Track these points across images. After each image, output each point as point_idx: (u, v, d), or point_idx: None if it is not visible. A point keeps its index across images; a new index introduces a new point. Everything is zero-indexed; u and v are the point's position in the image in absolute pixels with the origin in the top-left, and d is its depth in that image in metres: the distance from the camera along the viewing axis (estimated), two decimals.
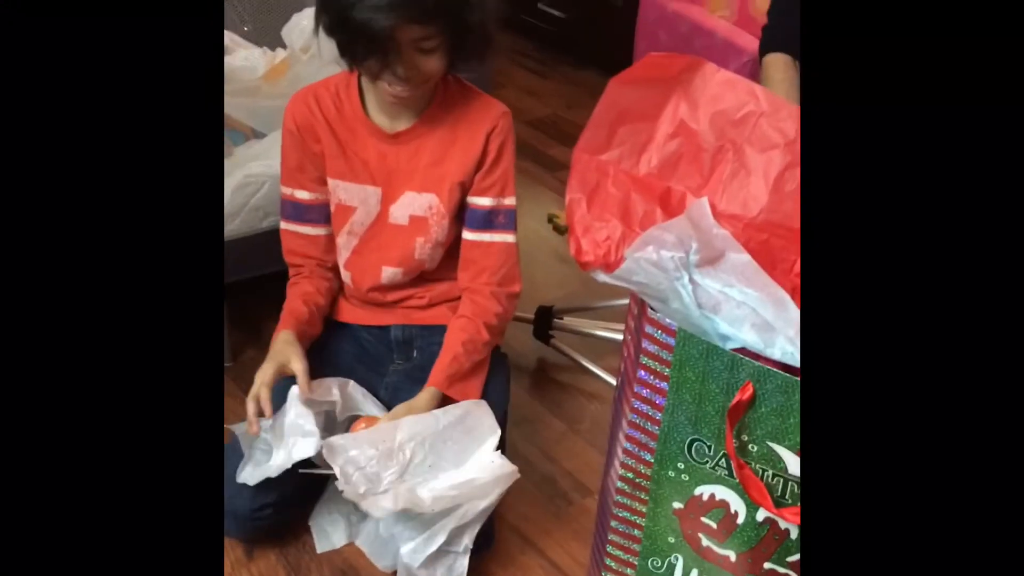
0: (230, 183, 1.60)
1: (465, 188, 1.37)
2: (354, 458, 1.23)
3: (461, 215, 1.41)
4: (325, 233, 1.43)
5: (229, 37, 2.01)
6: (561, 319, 1.86)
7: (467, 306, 1.40)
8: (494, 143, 1.35)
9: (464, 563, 1.27)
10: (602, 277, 0.94)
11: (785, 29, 1.55)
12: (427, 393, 1.32)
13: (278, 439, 1.28)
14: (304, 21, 1.86)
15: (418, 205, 1.37)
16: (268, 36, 1.99)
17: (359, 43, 1.20)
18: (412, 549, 1.26)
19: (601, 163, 0.96)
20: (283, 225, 1.44)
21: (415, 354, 1.48)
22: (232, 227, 1.62)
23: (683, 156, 0.96)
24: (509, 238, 1.40)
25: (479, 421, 1.29)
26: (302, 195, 1.40)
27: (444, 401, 1.33)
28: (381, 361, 1.47)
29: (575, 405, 1.76)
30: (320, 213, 1.42)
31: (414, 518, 1.26)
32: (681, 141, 0.96)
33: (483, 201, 1.38)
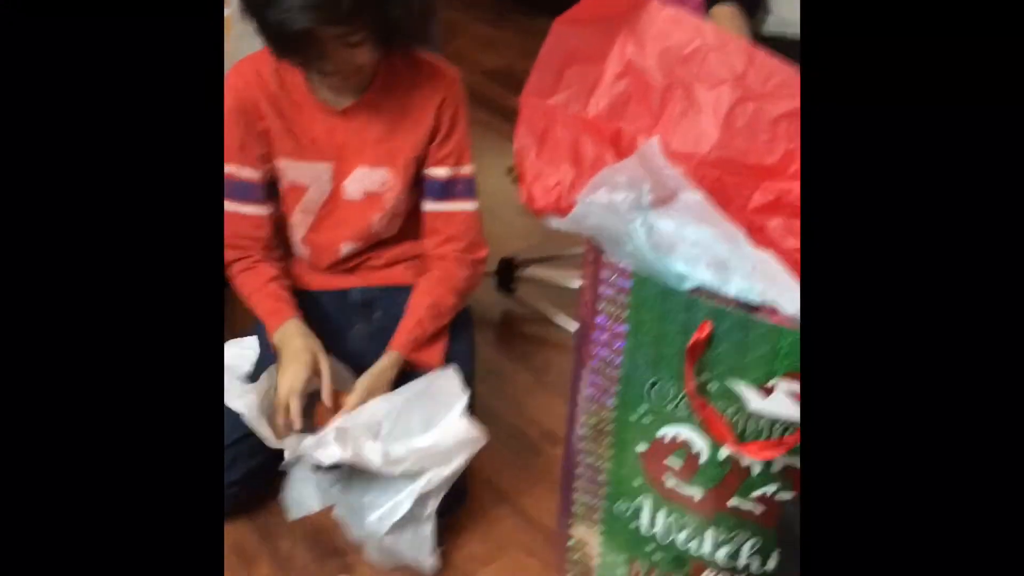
0: None
1: (420, 161, 1.34)
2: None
3: (417, 184, 1.38)
4: (270, 212, 1.37)
5: None
6: (523, 270, 1.85)
7: (433, 270, 1.38)
8: (446, 113, 1.31)
9: (428, 528, 1.27)
10: (555, 223, 0.93)
11: None
12: (388, 358, 1.31)
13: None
14: None
15: (372, 180, 1.34)
16: None
17: (277, 44, 1.16)
18: (378, 517, 1.25)
19: (549, 107, 0.94)
20: (227, 207, 1.36)
21: (376, 315, 1.46)
22: None
23: (632, 96, 0.95)
24: (469, 206, 1.38)
25: (445, 387, 1.28)
26: (246, 173, 1.34)
27: (406, 365, 1.32)
28: (342, 326, 1.45)
29: (541, 356, 1.76)
30: (264, 191, 1.36)
31: (385, 487, 1.26)
32: (629, 81, 0.95)
33: (440, 172, 1.35)
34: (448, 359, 1.44)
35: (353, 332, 1.45)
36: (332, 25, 1.11)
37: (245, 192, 1.35)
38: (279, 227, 1.40)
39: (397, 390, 1.28)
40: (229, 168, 1.34)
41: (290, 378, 1.24)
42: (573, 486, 1.10)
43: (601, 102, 0.95)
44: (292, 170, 1.34)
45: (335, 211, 1.37)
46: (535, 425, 1.58)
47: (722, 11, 1.51)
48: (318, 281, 1.46)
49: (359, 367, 1.41)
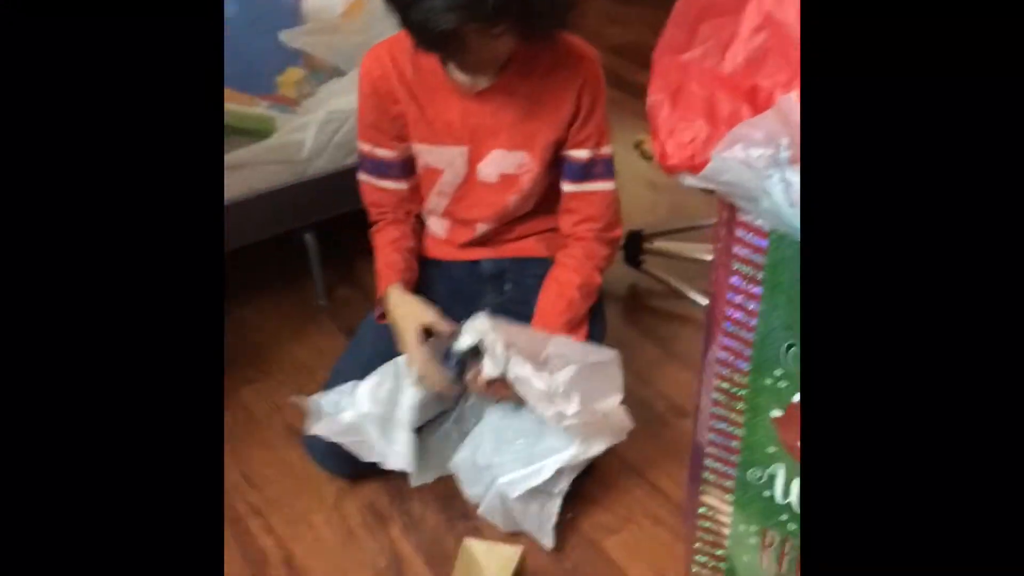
0: (314, 120, 1.61)
1: (560, 144, 1.34)
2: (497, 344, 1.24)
3: (555, 164, 1.37)
4: (407, 186, 1.41)
5: None
6: (651, 243, 1.83)
7: (576, 250, 1.38)
8: (586, 98, 1.30)
9: (556, 505, 1.28)
10: (689, 180, 0.91)
11: None
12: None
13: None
14: None
15: (508, 163, 1.34)
16: None
17: (420, 40, 1.16)
18: (511, 480, 1.26)
19: (683, 63, 0.92)
20: (362, 178, 1.41)
21: (507, 287, 1.47)
22: (318, 165, 1.63)
23: (770, 50, 0.91)
24: (608, 186, 1.37)
25: (615, 375, 1.28)
26: (382, 152, 1.38)
27: None
28: (474, 297, 1.46)
29: (669, 329, 1.73)
30: (401, 169, 1.39)
31: (522, 451, 1.26)
32: (767, 34, 0.91)
33: (580, 154, 1.34)
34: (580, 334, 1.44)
35: (483, 303, 1.46)
36: (477, 23, 1.10)
37: (381, 169, 1.39)
38: (417, 195, 1.43)
39: (582, 344, 1.30)
40: (365, 147, 1.38)
41: (409, 347, 1.30)
42: (705, 452, 1.08)
43: (738, 57, 0.92)
44: (427, 154, 1.36)
45: (471, 193, 1.38)
46: (663, 398, 1.57)
47: None
48: (450, 252, 1.48)
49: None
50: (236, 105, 1.66)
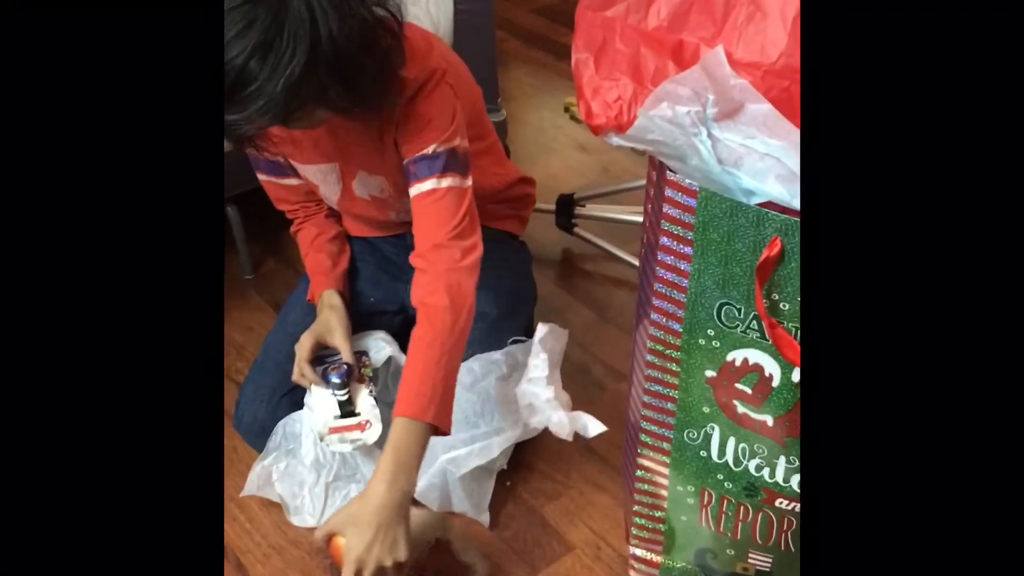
0: None
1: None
2: None
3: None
4: (301, 183, 1.37)
5: None
6: (583, 206, 1.82)
7: (422, 321, 1.19)
8: (410, 104, 1.18)
9: (492, 481, 1.28)
10: (615, 139, 0.89)
11: None
12: (397, 432, 1.11)
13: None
14: None
15: (372, 185, 1.31)
16: None
17: (236, 143, 1.12)
18: (455, 458, 1.25)
19: (607, 19, 0.90)
20: (262, 177, 1.38)
21: None
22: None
23: (694, 5, 0.90)
24: (437, 181, 1.19)
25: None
26: (269, 155, 1.32)
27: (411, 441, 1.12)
28: (403, 267, 1.44)
29: (603, 292, 1.73)
30: (293, 168, 1.36)
31: (458, 428, 1.25)
32: None
33: (406, 159, 1.22)
34: (511, 298, 1.42)
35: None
36: (277, 124, 1.06)
37: (275, 169, 1.36)
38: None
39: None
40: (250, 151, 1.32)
41: (300, 347, 1.30)
42: (641, 415, 1.07)
43: (661, 12, 0.90)
44: (302, 170, 1.33)
45: (353, 206, 1.36)
46: (599, 362, 1.56)
47: None
48: (375, 230, 1.45)
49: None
50: None
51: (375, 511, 1.05)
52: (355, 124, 1.21)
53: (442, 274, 1.16)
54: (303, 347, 1.29)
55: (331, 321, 1.31)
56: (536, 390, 1.28)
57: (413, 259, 1.20)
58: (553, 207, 1.82)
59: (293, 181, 1.37)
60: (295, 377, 1.30)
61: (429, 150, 1.19)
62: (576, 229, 1.82)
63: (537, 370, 1.28)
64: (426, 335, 1.15)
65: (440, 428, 1.13)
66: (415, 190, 1.21)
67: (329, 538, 1.10)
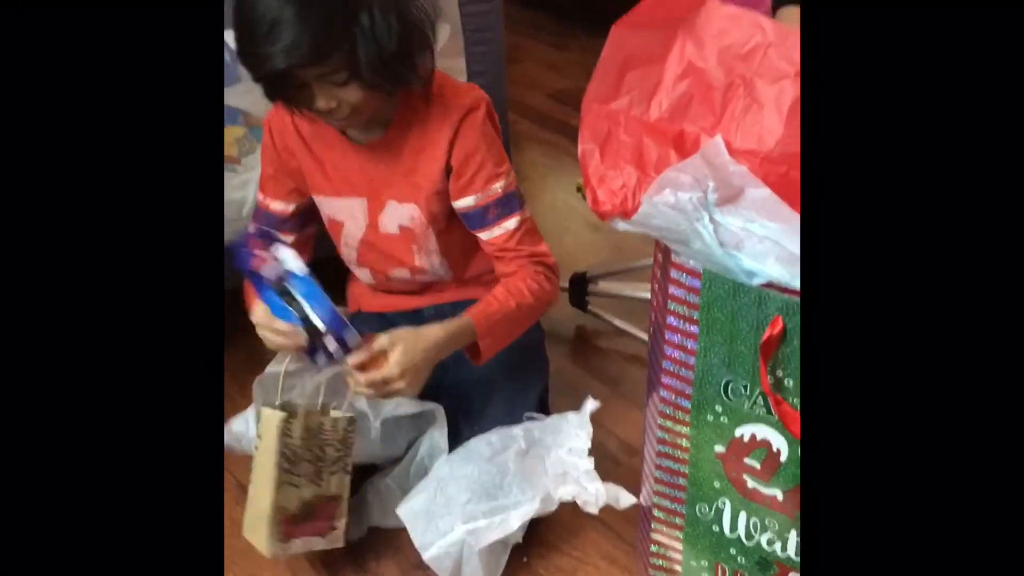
0: (254, 178, 1.61)
1: (443, 196, 1.33)
2: None
3: (456, 221, 1.37)
4: (295, 239, 1.40)
5: None
6: (596, 284, 1.86)
7: (507, 284, 1.35)
8: (459, 148, 1.29)
9: (507, 554, 1.30)
10: (621, 225, 0.93)
11: None
12: (454, 323, 1.26)
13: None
14: None
15: (402, 215, 1.35)
16: None
17: (266, 88, 1.17)
18: (475, 530, 1.25)
19: (611, 111, 0.95)
20: (252, 229, 1.39)
21: None
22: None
23: (694, 97, 0.95)
24: (511, 223, 1.33)
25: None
26: (276, 206, 1.39)
27: (462, 337, 1.27)
28: None
29: (617, 368, 1.75)
30: (295, 222, 1.40)
31: (476, 498, 1.27)
32: (690, 82, 0.95)
33: (467, 202, 1.32)
34: (525, 372, 1.45)
35: None
36: (307, 67, 1.11)
37: (271, 222, 1.39)
38: (306, 248, 1.42)
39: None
40: (260, 197, 1.39)
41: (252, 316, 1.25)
42: (653, 490, 1.09)
43: (663, 104, 0.95)
44: (327, 206, 1.37)
45: (375, 244, 1.39)
46: (612, 436, 1.58)
47: (790, 12, 1.51)
48: (390, 302, 1.49)
49: (437, 384, 1.44)
50: None
51: (426, 348, 1.21)
52: (386, 154, 1.28)
53: (527, 276, 1.32)
54: (258, 310, 1.25)
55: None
56: (575, 460, 1.29)
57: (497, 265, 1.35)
58: (567, 285, 1.86)
59: (286, 239, 1.37)
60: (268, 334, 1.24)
61: (497, 189, 1.30)
62: (589, 307, 1.86)
63: (580, 441, 1.30)
64: (511, 289, 1.30)
65: (481, 353, 1.28)
66: (489, 234, 1.33)
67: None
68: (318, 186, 1.36)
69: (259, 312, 1.23)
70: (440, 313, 1.47)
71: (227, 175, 1.70)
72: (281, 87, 1.17)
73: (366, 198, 1.35)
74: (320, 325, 1.16)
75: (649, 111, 0.95)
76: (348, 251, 1.42)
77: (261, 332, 1.24)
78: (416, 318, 1.47)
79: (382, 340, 1.20)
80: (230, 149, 1.74)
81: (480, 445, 1.34)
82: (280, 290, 1.19)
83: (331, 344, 1.18)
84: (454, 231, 1.39)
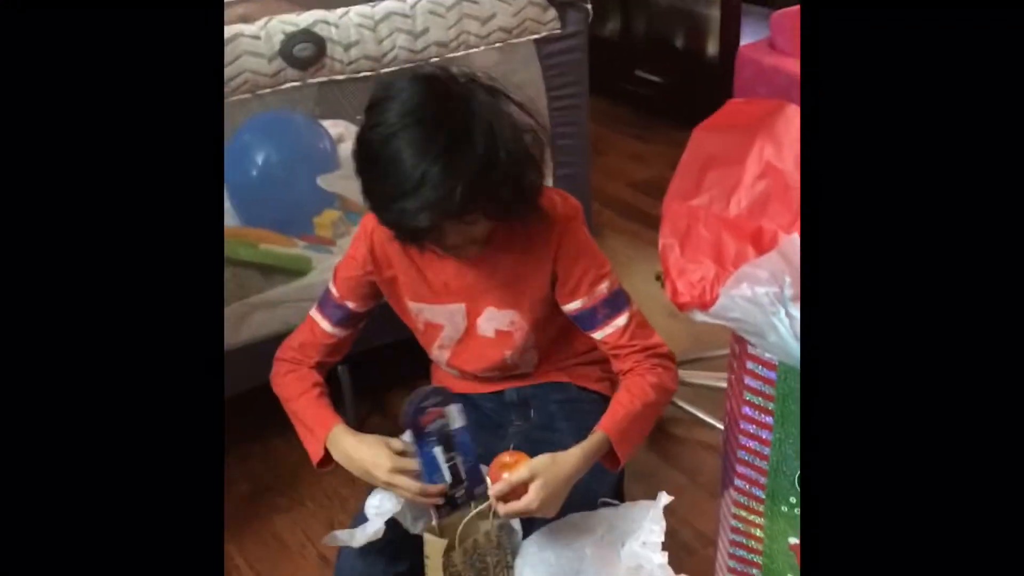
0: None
1: (548, 301, 1.36)
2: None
3: (553, 318, 1.39)
4: (342, 336, 1.42)
5: (344, 126, 2.14)
6: None
7: (630, 381, 1.34)
8: (562, 259, 1.32)
9: None
10: (699, 316, 0.97)
11: None
12: (592, 440, 1.26)
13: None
14: None
15: (501, 320, 1.39)
16: None
17: (399, 236, 1.22)
18: None
19: (692, 208, 1.00)
20: (313, 314, 1.43)
21: (532, 413, 1.52)
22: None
23: (771, 196, 0.99)
24: (621, 320, 1.35)
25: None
26: (352, 305, 1.40)
27: (598, 451, 1.27)
28: (500, 423, 1.51)
29: (693, 457, 1.76)
30: (356, 319, 1.41)
31: None
32: (769, 182, 0.99)
33: (575, 305, 1.35)
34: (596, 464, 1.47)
35: (512, 430, 1.50)
36: (448, 219, 1.16)
37: (335, 313, 1.40)
38: (342, 348, 1.44)
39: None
40: (335, 292, 1.40)
41: (372, 458, 1.23)
42: None
43: (742, 202, 0.99)
44: (427, 312, 1.40)
45: (470, 346, 1.42)
46: (688, 525, 1.58)
47: None
48: (474, 386, 1.53)
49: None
50: (276, 246, 1.76)
51: (567, 475, 1.21)
52: (484, 263, 1.32)
53: (645, 371, 1.32)
54: (382, 457, 1.23)
55: (379, 438, 1.28)
56: (650, 554, 1.30)
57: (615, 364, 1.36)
58: None
59: (336, 331, 1.41)
60: (389, 474, 1.22)
61: (603, 290, 1.33)
62: None
63: (653, 535, 1.30)
64: (633, 390, 1.29)
65: (617, 458, 1.27)
66: (601, 334, 1.34)
67: (510, 466, 1.20)
68: (418, 294, 1.39)
69: (400, 468, 1.23)
70: (523, 396, 1.50)
71: (321, 256, 1.80)
72: (415, 236, 1.21)
73: (464, 304, 1.39)
74: (463, 478, 1.24)
75: (728, 208, 1.00)
76: (441, 352, 1.46)
77: (400, 490, 1.23)
78: (498, 399, 1.51)
79: (522, 472, 1.20)
80: (326, 231, 1.84)
81: (560, 531, 1.36)
82: (444, 443, 1.24)
83: (459, 492, 1.25)
84: (549, 329, 1.42)
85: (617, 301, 1.36)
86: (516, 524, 1.41)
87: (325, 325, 1.42)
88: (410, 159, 1.10)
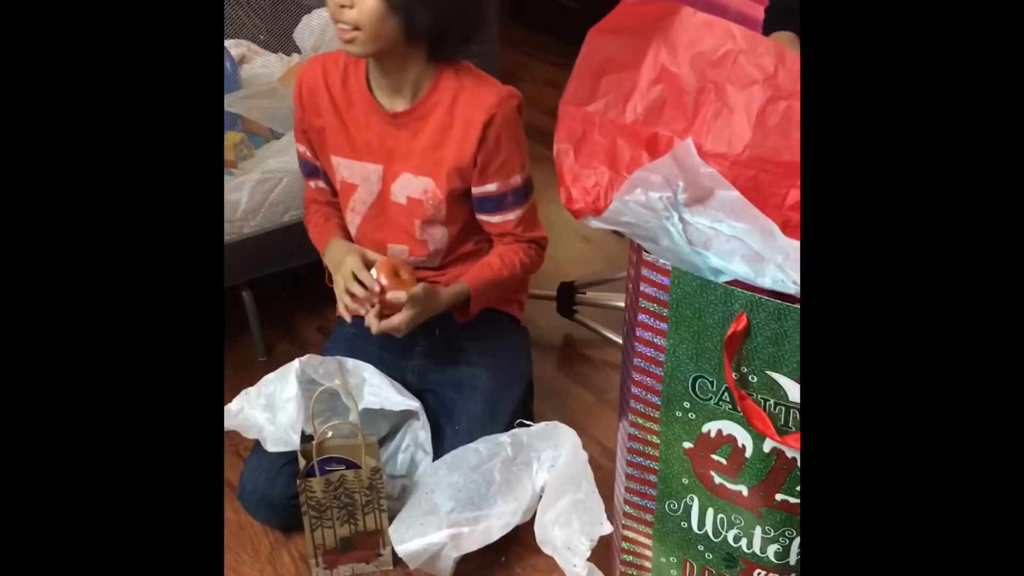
0: (249, 181, 1.65)
1: (464, 175, 1.37)
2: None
3: (466, 199, 1.42)
4: (324, 186, 1.51)
5: (246, 46, 2.06)
6: (583, 294, 1.88)
7: (496, 249, 1.45)
8: (492, 132, 1.34)
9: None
10: (593, 222, 0.96)
11: (788, 3, 1.55)
12: (454, 287, 1.38)
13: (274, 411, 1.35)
14: (313, 22, 1.91)
15: (415, 187, 1.39)
16: (282, 41, 2.05)
17: None
18: (456, 536, 1.29)
19: (587, 114, 0.98)
20: (306, 180, 1.53)
21: (437, 333, 1.51)
22: (254, 223, 1.67)
23: (667, 101, 0.98)
24: (520, 211, 1.41)
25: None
26: (309, 155, 1.47)
27: (457, 299, 1.39)
28: (406, 345, 1.50)
29: (602, 376, 1.78)
30: (314, 168, 1.49)
31: (462, 500, 1.30)
32: (664, 86, 0.98)
33: (488, 188, 1.39)
34: (505, 377, 1.47)
35: (416, 350, 1.50)
36: None
37: (311, 171, 1.49)
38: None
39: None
40: (299, 148, 1.48)
41: (347, 265, 1.33)
42: (624, 487, 1.11)
43: (637, 108, 0.98)
44: (345, 168, 1.42)
45: (382, 212, 1.43)
46: (595, 442, 1.60)
47: (780, 37, 1.54)
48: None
49: (422, 382, 1.47)
50: None
51: (433, 310, 1.37)
52: (409, 127, 1.36)
53: (520, 250, 1.44)
54: (350, 264, 1.33)
55: (355, 248, 1.39)
56: (571, 556, 1.27)
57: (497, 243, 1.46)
58: (554, 293, 1.89)
59: (322, 184, 1.50)
60: (346, 292, 1.33)
61: (517, 180, 1.39)
62: (577, 315, 1.88)
63: (582, 547, 1.27)
64: (504, 259, 1.42)
65: (470, 311, 1.40)
66: (500, 219, 1.42)
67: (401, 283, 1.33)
68: (338, 147, 1.41)
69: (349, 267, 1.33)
70: (427, 329, 1.49)
71: (225, 177, 1.74)
72: None
73: (382, 165, 1.40)
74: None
75: (624, 114, 0.98)
76: (353, 217, 1.45)
77: (343, 289, 1.34)
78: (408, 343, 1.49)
79: (401, 296, 1.31)
80: (228, 153, 1.78)
81: (468, 454, 1.36)
82: None
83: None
84: (458, 210, 1.43)
85: (526, 191, 1.43)
86: (427, 447, 1.41)
87: (310, 181, 1.52)
88: None
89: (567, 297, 1.87)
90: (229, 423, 1.34)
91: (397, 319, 1.31)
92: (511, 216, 1.41)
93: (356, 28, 1.24)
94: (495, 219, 1.41)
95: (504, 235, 1.43)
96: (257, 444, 1.41)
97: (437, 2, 1.24)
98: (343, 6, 1.23)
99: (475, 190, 1.39)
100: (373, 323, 1.31)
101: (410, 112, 1.36)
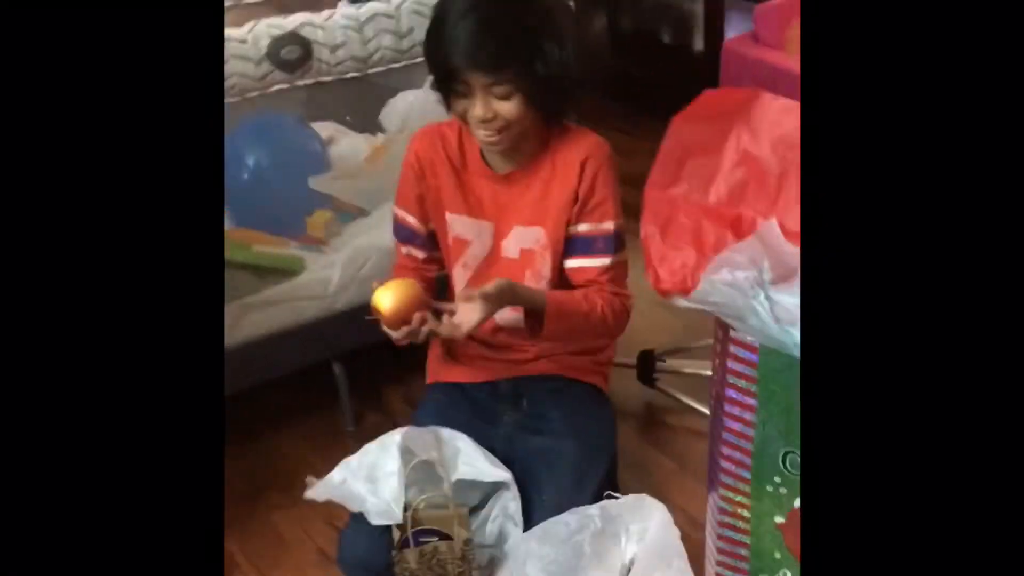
0: (340, 258, 1.72)
1: (568, 218, 1.42)
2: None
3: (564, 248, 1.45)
4: (426, 255, 1.51)
5: (333, 127, 2.16)
6: (664, 361, 1.90)
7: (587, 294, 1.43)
8: (588, 171, 1.40)
9: None
10: (681, 302, 0.99)
11: None
12: (533, 291, 1.38)
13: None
14: (399, 105, 2.00)
15: (527, 238, 1.44)
16: (367, 123, 2.14)
17: (436, 79, 1.33)
18: None
19: (672, 197, 1.02)
20: (398, 247, 1.53)
21: (525, 404, 1.54)
22: (344, 298, 1.74)
23: (749, 183, 1.02)
24: (610, 260, 1.42)
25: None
26: (411, 221, 1.50)
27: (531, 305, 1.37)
28: (494, 414, 1.53)
29: (683, 444, 1.79)
30: (424, 240, 1.50)
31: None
32: (746, 169, 1.02)
33: (581, 228, 1.42)
34: (591, 447, 1.49)
35: (504, 420, 1.53)
36: (482, 72, 1.26)
37: (407, 236, 1.51)
38: (433, 265, 1.53)
39: None
40: (398, 212, 1.50)
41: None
42: (716, 562, 1.12)
43: (720, 190, 1.01)
44: (459, 224, 1.47)
45: (492, 267, 1.47)
46: (680, 511, 1.60)
47: None
48: (468, 374, 1.55)
49: (509, 452, 1.50)
50: (268, 246, 1.78)
51: (507, 303, 1.35)
52: (518, 184, 1.40)
53: (607, 302, 1.41)
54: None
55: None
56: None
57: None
58: (635, 361, 1.91)
59: (415, 251, 1.51)
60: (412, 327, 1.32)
61: (609, 226, 1.40)
62: (657, 383, 1.90)
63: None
64: (590, 300, 1.38)
65: (542, 333, 1.36)
66: (587, 263, 1.42)
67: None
68: (454, 204, 1.46)
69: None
70: (515, 387, 1.53)
71: (314, 255, 1.82)
72: (445, 81, 1.30)
73: (493, 223, 1.45)
74: None
75: (707, 196, 1.02)
76: (464, 272, 1.50)
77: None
78: (492, 390, 1.53)
79: (473, 293, 1.30)
80: (318, 231, 1.86)
81: (557, 526, 1.38)
82: None
83: None
84: (560, 265, 1.46)
85: (617, 242, 1.44)
86: (518, 518, 1.43)
87: (402, 248, 1.53)
88: (461, 5, 1.24)
89: (647, 365, 1.90)
90: (332, 494, 1.38)
91: (462, 319, 1.30)
92: (598, 263, 1.42)
93: (500, 131, 1.32)
94: (582, 263, 1.42)
95: (590, 283, 1.43)
96: (353, 514, 1.45)
97: (563, 83, 1.31)
98: (486, 120, 1.30)
99: (570, 229, 1.42)
100: (442, 329, 1.32)
101: (518, 171, 1.42)
